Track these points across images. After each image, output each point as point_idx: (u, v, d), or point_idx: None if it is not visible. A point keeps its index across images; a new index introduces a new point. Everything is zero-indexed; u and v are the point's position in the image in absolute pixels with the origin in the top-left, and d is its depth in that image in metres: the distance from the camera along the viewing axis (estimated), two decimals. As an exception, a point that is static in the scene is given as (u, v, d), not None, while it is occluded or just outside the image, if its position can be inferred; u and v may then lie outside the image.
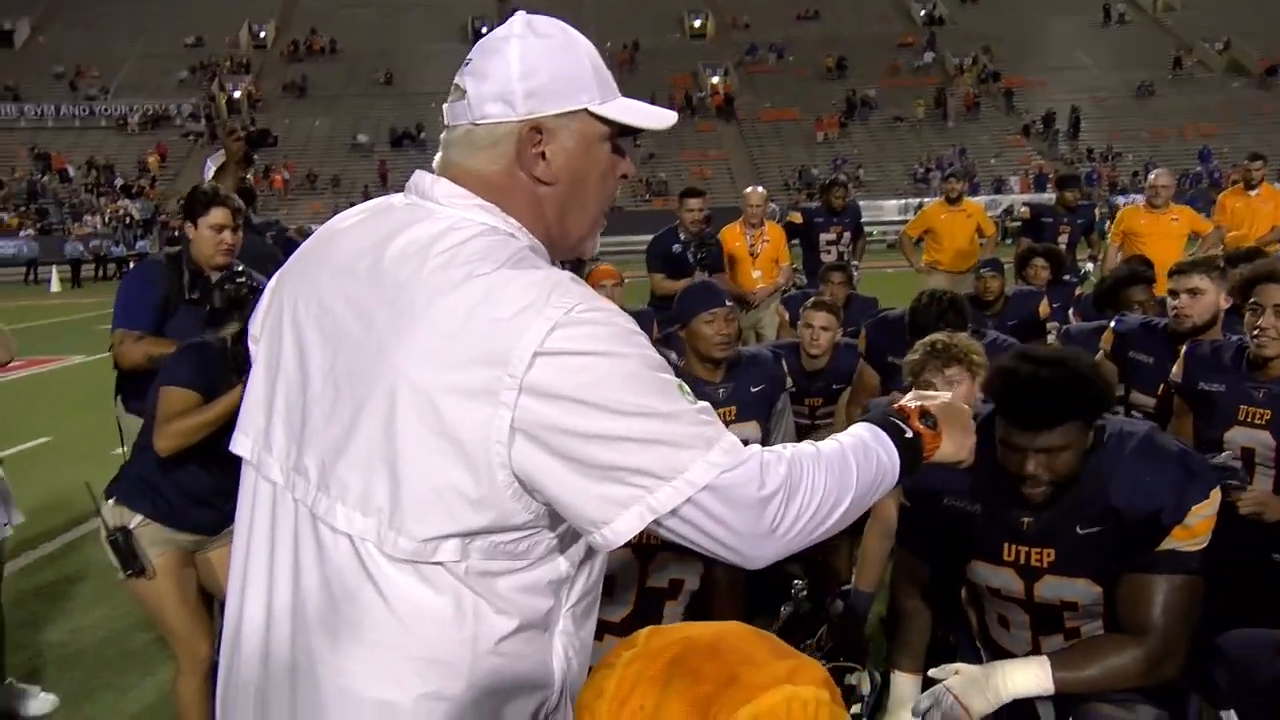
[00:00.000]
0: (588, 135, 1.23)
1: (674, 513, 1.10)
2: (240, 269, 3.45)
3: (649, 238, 6.96)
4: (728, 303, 3.44)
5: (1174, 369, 3.27)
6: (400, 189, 1.30)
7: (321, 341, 1.20)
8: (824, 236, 7.70)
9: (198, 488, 2.82)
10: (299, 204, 37.46)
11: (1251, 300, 2.95)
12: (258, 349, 1.32)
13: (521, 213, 1.22)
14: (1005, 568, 2.18)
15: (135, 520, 2.78)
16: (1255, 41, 45.40)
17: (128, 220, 34.40)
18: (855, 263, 7.87)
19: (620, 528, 1.10)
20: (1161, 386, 3.53)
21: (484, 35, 1.28)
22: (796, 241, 7.76)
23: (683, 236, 6.54)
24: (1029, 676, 2.03)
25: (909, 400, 1.37)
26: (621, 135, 1.28)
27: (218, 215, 3.44)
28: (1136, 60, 45.80)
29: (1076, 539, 2.07)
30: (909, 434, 1.29)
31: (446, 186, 1.22)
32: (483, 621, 1.15)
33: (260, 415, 1.27)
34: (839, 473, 1.20)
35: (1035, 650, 2.24)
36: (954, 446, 1.36)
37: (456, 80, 1.25)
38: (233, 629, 1.28)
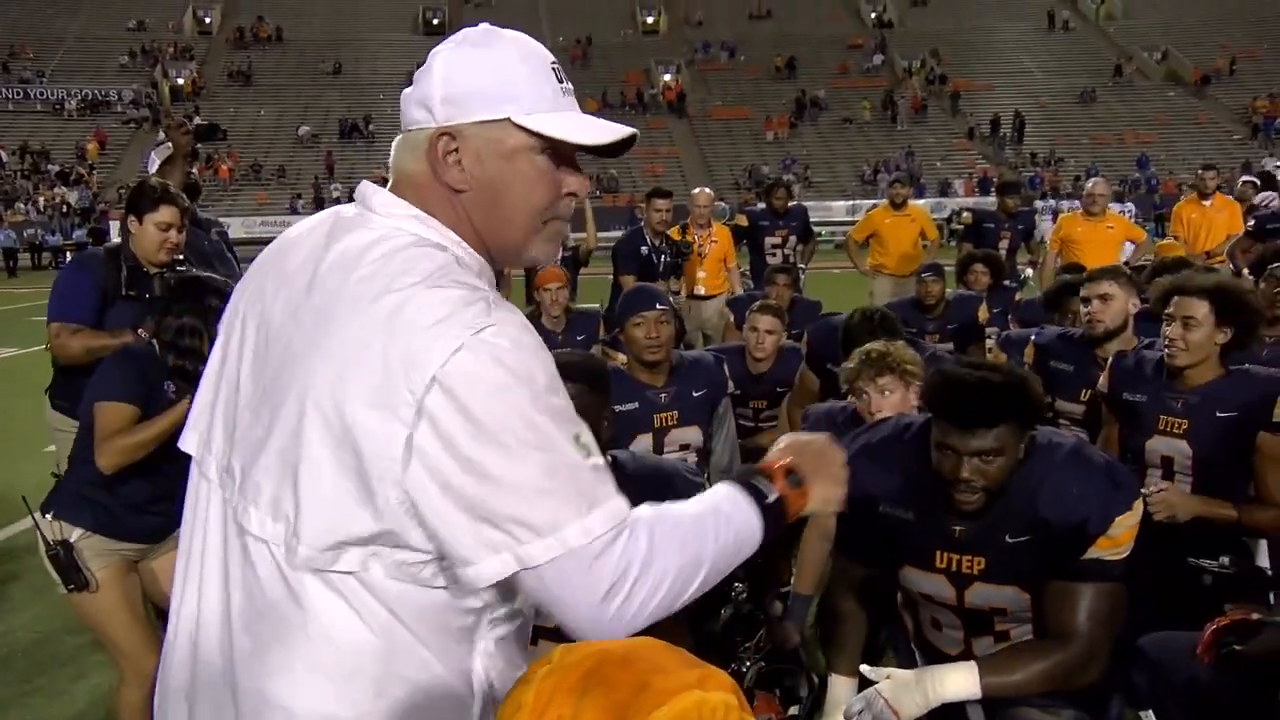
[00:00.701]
0: (509, 145, 1.21)
1: (537, 569, 1.09)
2: (181, 257, 3.41)
3: (601, 235, 6.97)
4: (659, 306, 3.44)
5: (1100, 379, 3.36)
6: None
7: (257, 347, 1.22)
8: (769, 240, 7.75)
9: (139, 497, 2.76)
10: (243, 194, 36.84)
11: (1166, 311, 3.05)
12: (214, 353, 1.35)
13: (446, 218, 1.22)
14: (937, 574, 2.23)
15: (75, 534, 2.71)
16: (1190, 52, 46.66)
17: (64, 208, 33.51)
18: (802, 266, 7.96)
19: (484, 571, 1.09)
20: (1087, 392, 3.65)
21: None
22: (745, 242, 7.82)
23: (649, 237, 6.54)
24: (958, 681, 2.08)
25: (777, 455, 1.35)
26: (581, 151, 1.25)
27: (166, 214, 3.40)
28: (1079, 67, 46.80)
29: (1005, 547, 2.13)
30: (771, 498, 1.27)
31: (384, 197, 1.24)
32: (396, 637, 1.15)
33: (205, 415, 1.30)
34: (694, 550, 1.18)
35: (967, 651, 2.30)
36: (821, 501, 1.34)
37: None
38: (171, 631, 1.29)
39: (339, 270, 1.16)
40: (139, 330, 2.99)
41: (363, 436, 1.08)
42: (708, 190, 7.54)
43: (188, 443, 1.32)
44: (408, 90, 1.25)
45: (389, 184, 1.27)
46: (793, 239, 7.84)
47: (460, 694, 1.20)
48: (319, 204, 36.20)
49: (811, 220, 8.28)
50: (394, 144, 1.28)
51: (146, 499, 2.76)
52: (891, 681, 2.09)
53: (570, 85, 1.27)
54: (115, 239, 3.49)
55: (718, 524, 1.22)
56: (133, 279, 3.38)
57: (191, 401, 1.35)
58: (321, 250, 1.21)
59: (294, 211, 35.19)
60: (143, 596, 2.91)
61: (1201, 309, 2.97)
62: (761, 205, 8.21)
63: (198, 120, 4.51)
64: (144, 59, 45.03)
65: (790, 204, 7.95)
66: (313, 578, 1.13)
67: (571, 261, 6.57)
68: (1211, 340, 2.99)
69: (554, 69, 1.25)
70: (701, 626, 3.33)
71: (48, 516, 2.74)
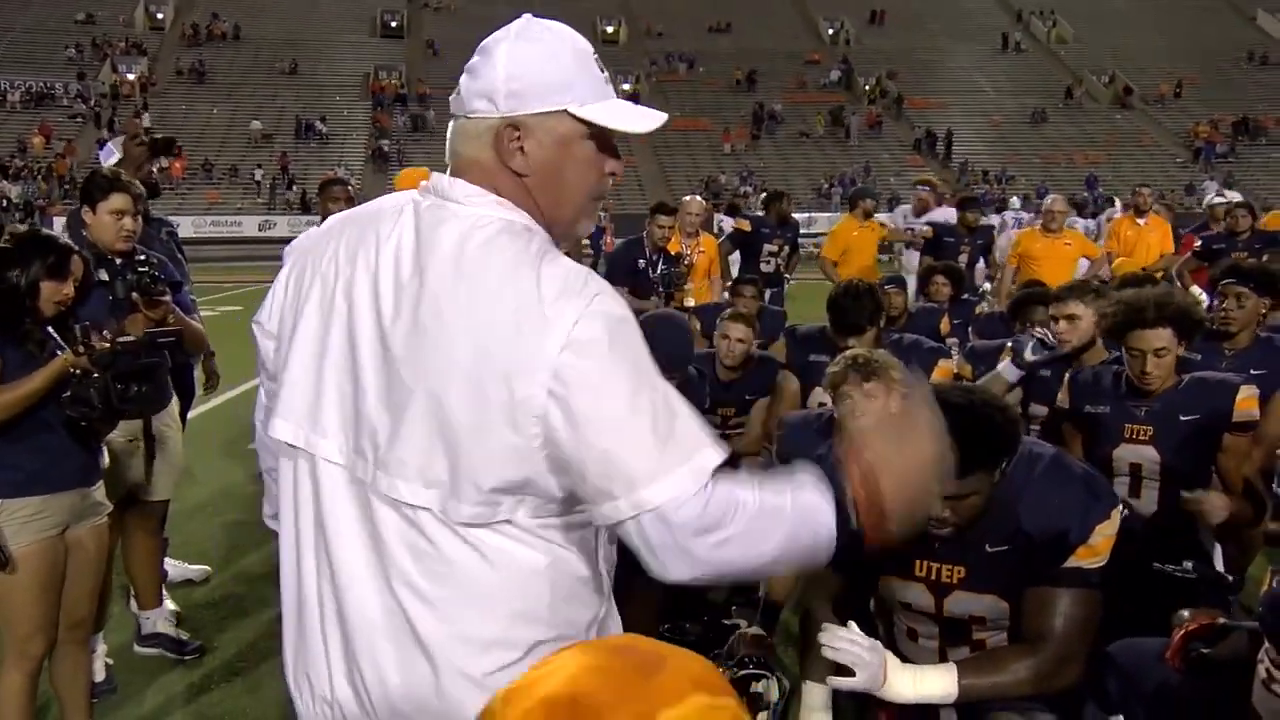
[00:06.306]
0: (566, 133, 1.33)
1: (652, 511, 1.19)
2: (143, 257, 3.34)
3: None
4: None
5: (1060, 395, 3.43)
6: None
7: (374, 333, 1.29)
8: (767, 247, 7.90)
9: (46, 443, 2.71)
10: (194, 193, 36.20)
11: (1129, 347, 3.12)
12: (287, 338, 1.37)
13: (515, 198, 1.33)
14: (916, 583, 2.25)
15: None
16: (1137, 77, 47.87)
17: (4, 203, 32.66)
18: (789, 276, 8.16)
19: (605, 512, 1.23)
20: (1047, 410, 3.72)
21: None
22: (736, 252, 7.88)
23: (647, 251, 6.43)
24: (938, 681, 2.09)
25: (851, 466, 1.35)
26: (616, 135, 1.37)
27: (118, 200, 3.36)
28: (1031, 88, 47.75)
29: (986, 557, 2.15)
30: (854, 525, 1.34)
31: (464, 186, 1.33)
32: (553, 559, 1.30)
33: (301, 399, 1.35)
34: (786, 536, 1.27)
35: (942, 660, 2.31)
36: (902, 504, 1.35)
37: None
38: (294, 599, 1.39)
39: (450, 260, 1.26)
40: (103, 330, 2.87)
41: (506, 402, 1.20)
42: (699, 198, 7.59)
43: (280, 431, 1.36)
44: (466, 81, 1.34)
45: (450, 168, 1.36)
46: (786, 248, 8.01)
47: (598, 593, 1.38)
48: (271, 204, 35.78)
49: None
50: (452, 129, 1.37)
51: (53, 443, 2.71)
52: (891, 658, 2.08)
53: (607, 74, 1.38)
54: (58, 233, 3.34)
55: (808, 526, 1.30)
56: (100, 262, 3.30)
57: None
58: (415, 241, 1.29)
59: (245, 211, 34.72)
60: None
61: (1164, 336, 3.07)
62: (762, 213, 8.42)
63: (153, 132, 4.43)
64: (93, 53, 44.09)
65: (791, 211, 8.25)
66: (473, 529, 1.26)
67: None
68: (1175, 358, 3.13)
69: (595, 60, 1.37)
70: (681, 632, 3.33)
71: None
